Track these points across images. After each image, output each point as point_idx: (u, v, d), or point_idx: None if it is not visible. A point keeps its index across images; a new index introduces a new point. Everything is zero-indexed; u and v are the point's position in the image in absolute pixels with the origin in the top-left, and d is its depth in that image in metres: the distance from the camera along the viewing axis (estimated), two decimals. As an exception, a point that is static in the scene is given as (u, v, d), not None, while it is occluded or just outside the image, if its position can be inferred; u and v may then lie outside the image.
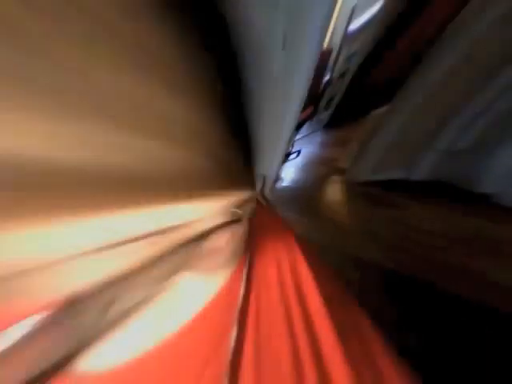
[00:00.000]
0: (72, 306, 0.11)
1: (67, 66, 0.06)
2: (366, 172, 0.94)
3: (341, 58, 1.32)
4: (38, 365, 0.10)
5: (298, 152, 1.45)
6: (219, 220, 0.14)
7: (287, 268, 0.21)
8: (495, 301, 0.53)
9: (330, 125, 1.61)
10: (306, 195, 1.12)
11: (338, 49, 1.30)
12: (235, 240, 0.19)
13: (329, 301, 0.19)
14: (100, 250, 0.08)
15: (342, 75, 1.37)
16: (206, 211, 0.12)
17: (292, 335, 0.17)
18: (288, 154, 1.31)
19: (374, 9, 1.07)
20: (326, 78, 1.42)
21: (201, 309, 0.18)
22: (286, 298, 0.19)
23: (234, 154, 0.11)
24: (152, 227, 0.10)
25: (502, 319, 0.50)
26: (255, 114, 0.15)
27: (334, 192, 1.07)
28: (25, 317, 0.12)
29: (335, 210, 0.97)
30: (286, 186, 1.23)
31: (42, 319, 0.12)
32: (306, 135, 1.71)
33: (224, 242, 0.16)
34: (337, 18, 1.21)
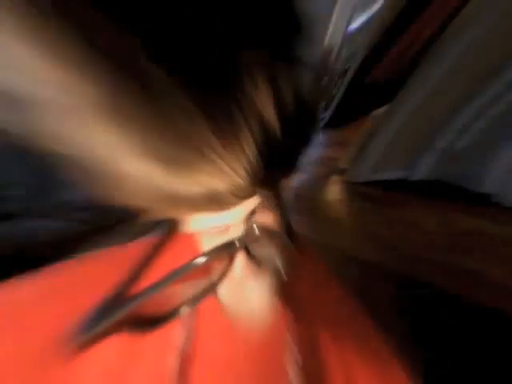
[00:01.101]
0: None
1: None
2: (366, 172, 0.94)
3: (341, 58, 1.32)
4: None
5: (298, 152, 1.45)
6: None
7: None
8: (494, 301, 0.53)
9: (330, 125, 1.61)
10: (306, 195, 1.12)
11: (338, 48, 1.30)
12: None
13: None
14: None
15: (343, 75, 1.37)
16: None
17: None
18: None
19: (375, 8, 1.07)
20: (326, 77, 1.41)
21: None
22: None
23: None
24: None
25: (502, 320, 0.50)
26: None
27: (334, 192, 1.07)
28: None
29: (335, 210, 0.97)
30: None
31: None
32: (305, 135, 1.71)
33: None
34: (337, 18, 1.20)
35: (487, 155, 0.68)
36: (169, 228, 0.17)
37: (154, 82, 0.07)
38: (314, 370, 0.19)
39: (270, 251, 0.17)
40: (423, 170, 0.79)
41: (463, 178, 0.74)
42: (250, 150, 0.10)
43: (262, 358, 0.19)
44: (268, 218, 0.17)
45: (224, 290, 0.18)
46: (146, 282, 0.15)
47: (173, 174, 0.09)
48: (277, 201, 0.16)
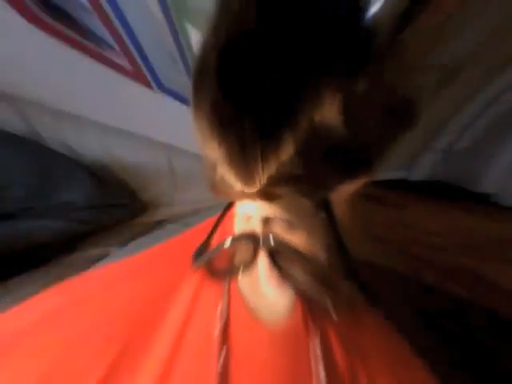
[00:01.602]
0: None
1: None
2: (366, 172, 0.94)
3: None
4: None
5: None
6: None
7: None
8: (494, 301, 0.53)
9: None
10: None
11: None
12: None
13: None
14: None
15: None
16: None
17: None
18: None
19: (374, 8, 1.07)
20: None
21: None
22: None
23: None
24: None
25: (501, 321, 0.50)
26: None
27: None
28: None
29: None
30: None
31: None
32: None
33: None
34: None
35: (487, 155, 0.68)
36: (227, 207, 0.23)
37: (231, 120, 0.11)
38: (337, 369, 0.20)
39: (297, 272, 0.18)
40: (423, 169, 0.79)
41: (463, 177, 0.74)
42: (286, 155, 0.12)
43: (285, 350, 0.20)
44: (297, 238, 0.18)
45: (245, 282, 0.22)
46: (214, 241, 0.21)
47: (237, 176, 0.13)
48: (319, 220, 0.18)
